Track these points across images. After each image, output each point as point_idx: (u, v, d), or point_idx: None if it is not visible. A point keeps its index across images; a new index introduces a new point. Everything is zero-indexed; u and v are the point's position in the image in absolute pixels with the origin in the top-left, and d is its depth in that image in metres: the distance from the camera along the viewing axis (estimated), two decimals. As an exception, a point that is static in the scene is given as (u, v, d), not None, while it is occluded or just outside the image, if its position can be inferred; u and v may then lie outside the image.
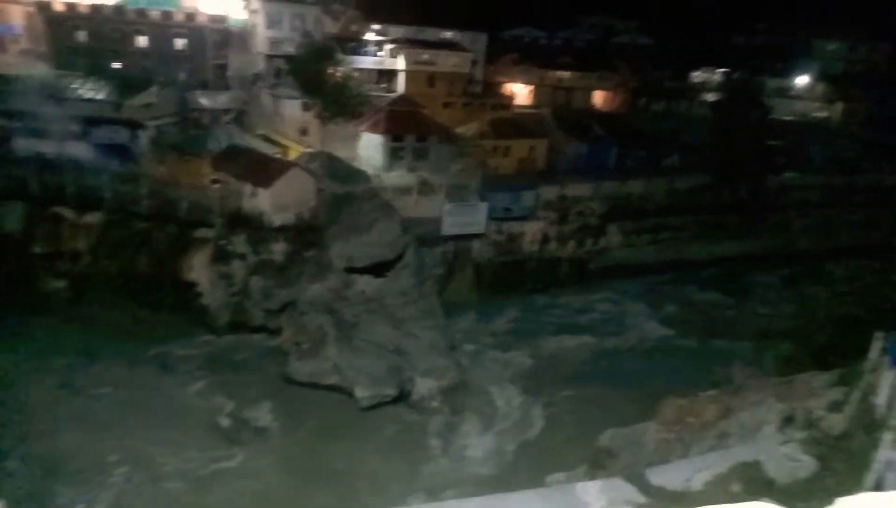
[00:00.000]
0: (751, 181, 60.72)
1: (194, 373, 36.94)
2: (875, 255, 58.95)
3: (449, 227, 48.81)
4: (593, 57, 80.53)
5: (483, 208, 49.77)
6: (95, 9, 59.74)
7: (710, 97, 79.00)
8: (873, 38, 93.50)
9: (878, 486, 15.42)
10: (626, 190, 57.19)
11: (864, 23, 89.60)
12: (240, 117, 55.72)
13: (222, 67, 61.55)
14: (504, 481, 29.10)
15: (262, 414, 34.19)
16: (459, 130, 59.84)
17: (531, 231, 52.18)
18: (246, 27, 64.35)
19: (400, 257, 44.60)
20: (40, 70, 55.76)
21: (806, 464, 17.38)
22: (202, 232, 42.42)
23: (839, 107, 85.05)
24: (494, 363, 41.25)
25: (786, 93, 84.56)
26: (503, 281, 50.20)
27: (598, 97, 76.95)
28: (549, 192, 53.53)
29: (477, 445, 33.41)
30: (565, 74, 74.86)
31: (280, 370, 37.54)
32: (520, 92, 74.47)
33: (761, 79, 79.38)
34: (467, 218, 49.40)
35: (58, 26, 58.78)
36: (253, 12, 63.56)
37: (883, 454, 16.03)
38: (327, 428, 33.59)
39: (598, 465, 23.07)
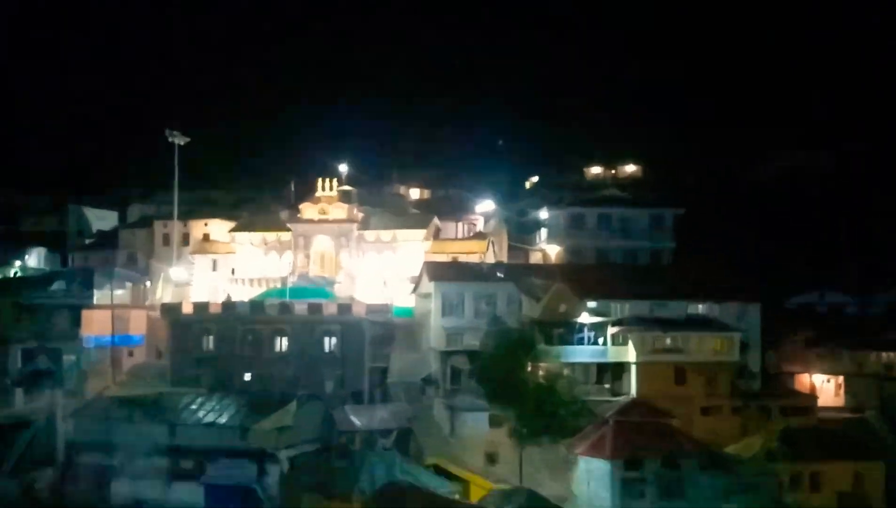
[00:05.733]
0: None
1: None
2: None
3: None
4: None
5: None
6: (229, 307, 69.64)
7: None
8: None
9: None
10: None
11: None
12: (403, 440, 58.19)
13: (382, 372, 66.72)
14: None
15: None
16: (730, 448, 58.19)
17: None
18: (414, 317, 70.60)
19: None
20: (155, 387, 64.29)
21: None
22: None
23: None
24: None
25: None
26: None
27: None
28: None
29: None
30: (899, 357, 71.94)
31: None
32: (823, 387, 73.08)
33: None
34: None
35: (183, 332, 69.06)
36: (423, 296, 69.94)
37: None
38: None
39: None
